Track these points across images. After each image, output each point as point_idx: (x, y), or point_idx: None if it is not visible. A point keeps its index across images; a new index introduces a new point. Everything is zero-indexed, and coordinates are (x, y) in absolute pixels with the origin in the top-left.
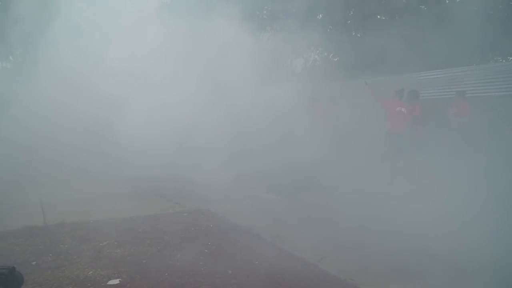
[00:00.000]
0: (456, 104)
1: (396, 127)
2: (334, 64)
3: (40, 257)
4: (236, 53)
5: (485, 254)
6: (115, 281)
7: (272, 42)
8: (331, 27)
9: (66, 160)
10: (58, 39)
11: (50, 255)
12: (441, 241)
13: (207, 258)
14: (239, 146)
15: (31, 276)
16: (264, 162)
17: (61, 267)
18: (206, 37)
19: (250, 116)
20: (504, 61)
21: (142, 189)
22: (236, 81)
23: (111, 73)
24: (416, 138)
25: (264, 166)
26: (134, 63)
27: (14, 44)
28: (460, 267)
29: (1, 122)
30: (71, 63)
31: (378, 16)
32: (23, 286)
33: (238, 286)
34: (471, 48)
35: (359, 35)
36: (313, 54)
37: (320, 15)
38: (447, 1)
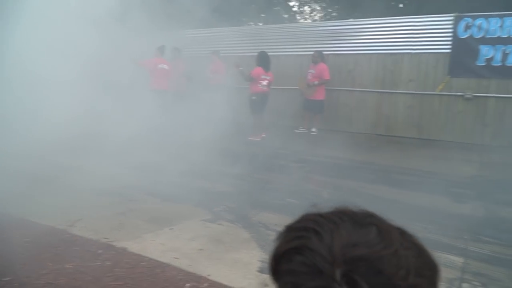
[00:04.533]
0: (212, 62)
1: (159, 84)
2: None
3: None
4: None
5: None
6: None
7: None
8: None
9: None
10: None
11: None
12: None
13: None
14: None
15: None
16: None
17: None
18: None
19: None
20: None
21: None
22: None
23: None
24: (180, 94)
25: None
26: None
27: None
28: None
29: None
30: None
31: None
32: None
33: None
34: (229, 11)
35: None
36: None
37: None
38: None
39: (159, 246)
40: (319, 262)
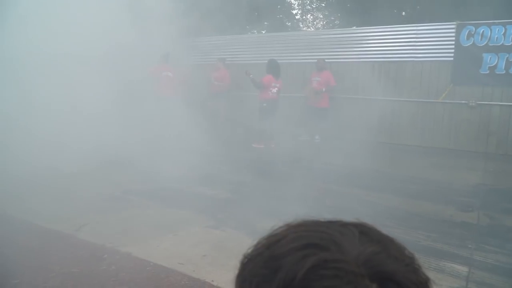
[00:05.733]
0: (217, 69)
1: (164, 91)
2: None
3: None
4: None
5: None
6: None
7: None
8: None
9: None
10: None
11: None
12: None
13: None
14: None
15: None
16: None
17: None
18: None
19: None
20: (256, 32)
21: None
22: None
23: None
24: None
25: None
26: None
27: None
28: None
29: None
30: None
31: None
32: None
33: None
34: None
35: None
36: None
37: None
38: None
39: (163, 252)
40: (351, 273)
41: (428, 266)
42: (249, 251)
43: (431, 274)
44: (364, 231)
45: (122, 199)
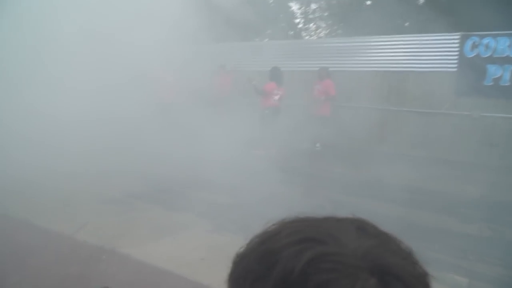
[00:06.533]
0: (219, 76)
1: (164, 97)
2: None
3: None
4: None
5: None
6: None
7: None
8: None
9: None
10: None
11: None
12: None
13: None
14: None
15: None
16: None
17: None
18: None
19: None
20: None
21: None
22: None
23: None
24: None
25: None
26: None
27: None
28: None
29: None
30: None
31: None
32: None
33: None
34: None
35: None
36: None
37: None
38: None
39: (162, 254)
40: (350, 266)
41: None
42: (242, 249)
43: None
44: (360, 226)
45: (120, 201)
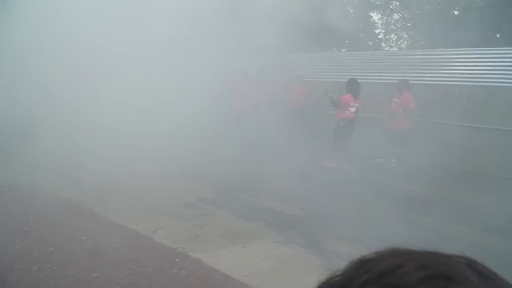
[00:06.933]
0: (294, 86)
1: (239, 104)
2: None
3: None
4: None
5: None
6: None
7: None
8: None
9: None
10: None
11: None
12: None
13: (26, 236)
14: None
15: None
16: None
17: None
18: None
19: None
20: (336, 51)
21: None
22: None
23: None
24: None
25: None
26: None
27: None
28: None
29: None
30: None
31: None
32: None
33: (57, 262)
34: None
35: None
36: None
37: None
38: None
39: (231, 262)
40: None
41: None
42: (337, 278)
43: None
44: (471, 264)
45: (193, 205)
